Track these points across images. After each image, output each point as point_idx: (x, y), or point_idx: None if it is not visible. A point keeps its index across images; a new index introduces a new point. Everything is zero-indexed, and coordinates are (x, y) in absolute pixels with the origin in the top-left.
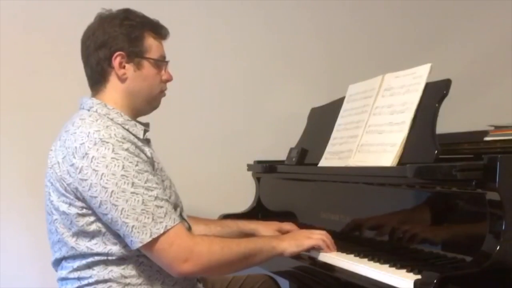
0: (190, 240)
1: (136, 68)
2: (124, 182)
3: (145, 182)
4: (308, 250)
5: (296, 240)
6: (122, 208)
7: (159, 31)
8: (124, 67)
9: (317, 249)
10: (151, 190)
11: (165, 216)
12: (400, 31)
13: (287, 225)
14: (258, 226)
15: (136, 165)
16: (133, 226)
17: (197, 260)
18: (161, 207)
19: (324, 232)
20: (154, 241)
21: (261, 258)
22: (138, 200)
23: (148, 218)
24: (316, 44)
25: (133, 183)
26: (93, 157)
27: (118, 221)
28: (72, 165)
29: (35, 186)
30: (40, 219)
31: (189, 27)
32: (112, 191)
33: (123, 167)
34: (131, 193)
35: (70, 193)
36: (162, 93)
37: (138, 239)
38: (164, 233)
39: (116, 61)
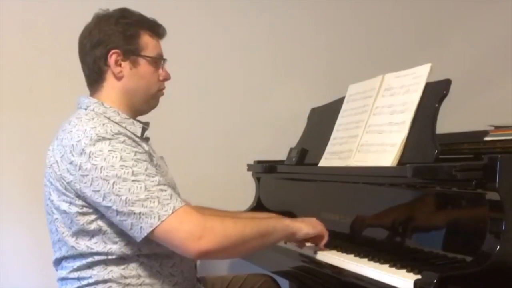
0: (201, 216)
1: (132, 66)
2: (124, 172)
3: (146, 170)
4: (317, 235)
5: (310, 224)
6: (126, 198)
7: (156, 30)
8: (120, 65)
9: (316, 244)
10: (153, 177)
11: (171, 198)
12: (400, 31)
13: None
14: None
15: (135, 154)
16: (140, 213)
17: (212, 235)
18: (165, 190)
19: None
20: (164, 223)
21: (276, 236)
22: (141, 187)
23: (154, 202)
24: (316, 44)
25: (133, 172)
26: (90, 152)
27: (124, 211)
28: (71, 162)
29: (34, 186)
30: (39, 219)
31: (189, 27)
32: (114, 182)
33: (121, 158)
34: (133, 181)
35: (70, 191)
36: (160, 91)
37: (148, 224)
38: (172, 213)
39: (112, 59)
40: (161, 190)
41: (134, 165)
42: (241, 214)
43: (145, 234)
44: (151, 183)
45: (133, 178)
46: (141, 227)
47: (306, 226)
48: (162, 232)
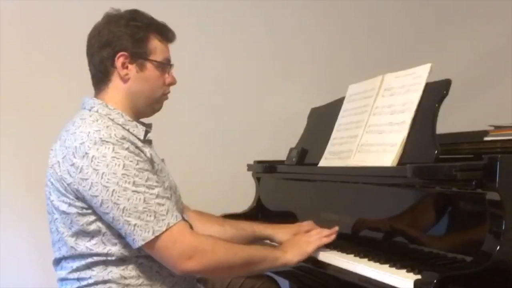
0: (194, 238)
1: (138, 69)
2: (125, 181)
3: (146, 181)
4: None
5: (299, 249)
6: (124, 207)
7: (165, 34)
8: (126, 68)
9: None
10: (152, 189)
11: (167, 213)
12: (400, 31)
13: (306, 226)
14: (275, 232)
15: (137, 164)
16: (135, 225)
17: (201, 258)
18: (163, 204)
19: (319, 230)
20: (157, 239)
21: (263, 267)
22: (140, 199)
23: (150, 216)
24: (316, 44)
25: (134, 182)
26: (93, 156)
27: (120, 220)
28: (73, 164)
29: (35, 186)
30: (40, 219)
31: (189, 28)
32: (114, 190)
33: (123, 166)
34: (133, 191)
35: (70, 193)
36: (164, 96)
37: (141, 237)
38: (166, 230)
39: (119, 61)
40: (159, 204)
41: (136, 175)
42: (236, 223)
43: (137, 246)
44: (150, 196)
45: (133, 188)
46: (133, 239)
47: (296, 255)
48: (154, 247)
